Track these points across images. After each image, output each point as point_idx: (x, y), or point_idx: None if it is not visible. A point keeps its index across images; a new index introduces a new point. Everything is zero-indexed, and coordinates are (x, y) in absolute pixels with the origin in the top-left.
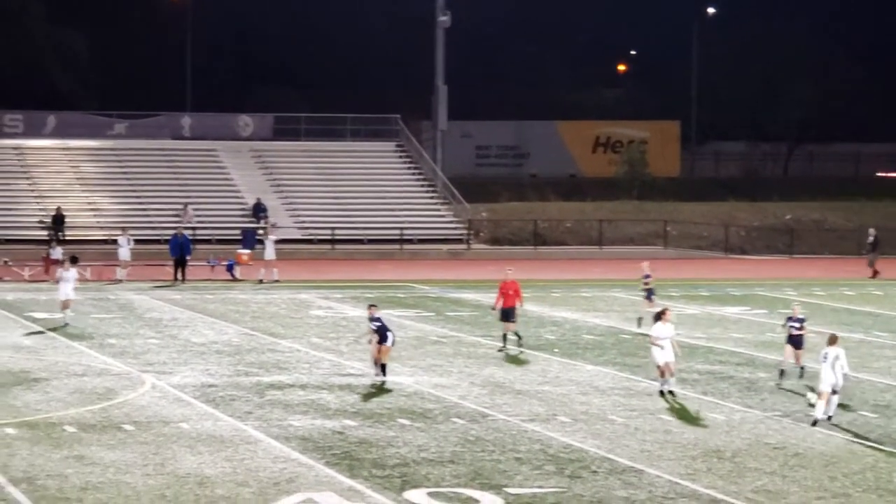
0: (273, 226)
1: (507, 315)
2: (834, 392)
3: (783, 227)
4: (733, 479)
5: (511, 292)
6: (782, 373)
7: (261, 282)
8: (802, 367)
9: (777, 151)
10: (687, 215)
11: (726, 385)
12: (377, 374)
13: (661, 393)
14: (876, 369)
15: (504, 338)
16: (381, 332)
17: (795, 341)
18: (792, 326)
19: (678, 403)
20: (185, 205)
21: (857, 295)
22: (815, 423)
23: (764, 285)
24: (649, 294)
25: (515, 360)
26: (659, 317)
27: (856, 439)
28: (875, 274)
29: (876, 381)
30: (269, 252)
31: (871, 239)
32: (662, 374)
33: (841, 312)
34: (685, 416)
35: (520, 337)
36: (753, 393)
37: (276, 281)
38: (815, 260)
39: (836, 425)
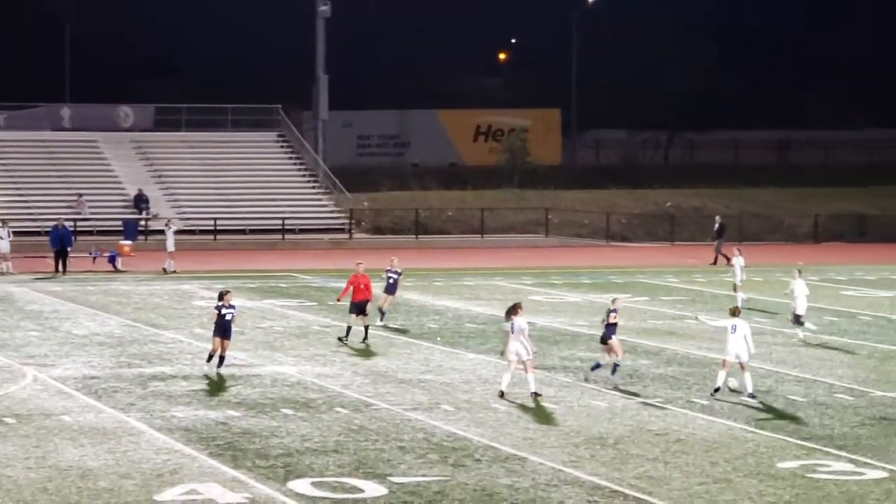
0: (156, 217)
1: (360, 308)
2: (741, 366)
3: (663, 215)
4: (616, 465)
5: (362, 286)
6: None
7: (165, 271)
8: (616, 365)
9: (657, 139)
10: (568, 203)
11: (608, 372)
12: (213, 367)
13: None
14: (756, 355)
15: (348, 330)
16: (227, 326)
17: (609, 333)
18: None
19: (541, 403)
20: (79, 195)
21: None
22: (716, 391)
23: (645, 272)
24: (392, 288)
25: (381, 350)
26: (512, 312)
27: (737, 424)
28: (718, 261)
29: (756, 367)
30: (170, 243)
31: (716, 226)
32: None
33: (721, 298)
34: (568, 403)
35: (367, 333)
36: (636, 380)
37: (175, 272)
38: (695, 247)
39: (719, 400)
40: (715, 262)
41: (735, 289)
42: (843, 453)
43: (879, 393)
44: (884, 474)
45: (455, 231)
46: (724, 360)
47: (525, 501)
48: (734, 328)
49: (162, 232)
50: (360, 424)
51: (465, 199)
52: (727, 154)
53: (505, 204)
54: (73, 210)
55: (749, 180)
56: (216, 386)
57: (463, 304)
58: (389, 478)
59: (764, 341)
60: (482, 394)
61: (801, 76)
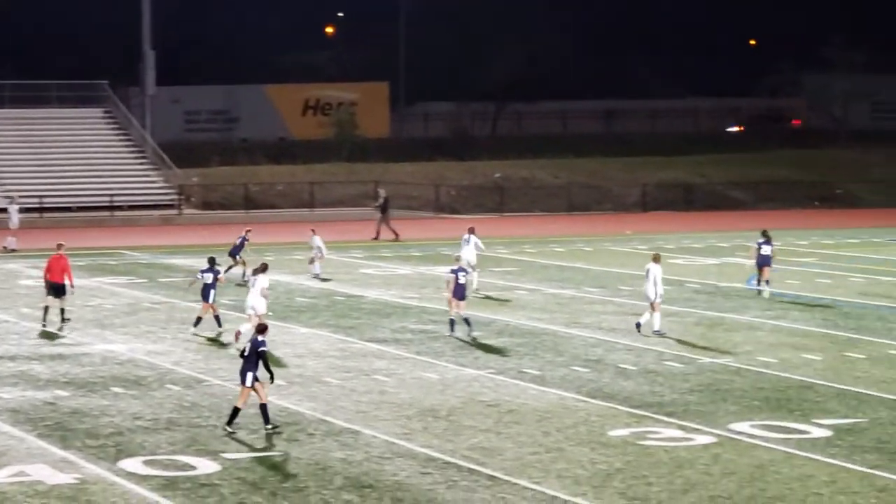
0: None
1: (55, 289)
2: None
3: (493, 186)
4: (449, 437)
5: (59, 268)
6: (452, 323)
7: (5, 249)
8: (466, 318)
9: (485, 111)
10: (397, 176)
11: (440, 344)
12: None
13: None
14: (587, 325)
15: (46, 311)
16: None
17: (459, 292)
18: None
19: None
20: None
21: (567, 251)
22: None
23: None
24: None
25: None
26: (260, 270)
27: (568, 394)
28: (369, 234)
29: (587, 336)
30: (14, 220)
31: (380, 201)
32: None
33: (551, 269)
34: (400, 376)
35: (64, 316)
36: (467, 351)
37: (15, 250)
38: (524, 217)
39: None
40: (377, 237)
41: (311, 262)
42: (673, 420)
43: (708, 360)
44: (712, 439)
45: (285, 205)
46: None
47: (359, 475)
48: (647, 272)
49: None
50: (193, 401)
51: (294, 173)
52: (555, 125)
53: (334, 177)
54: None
55: (577, 150)
56: (43, 366)
57: (294, 279)
58: (222, 454)
59: (594, 311)
60: (314, 367)
61: (624, 46)
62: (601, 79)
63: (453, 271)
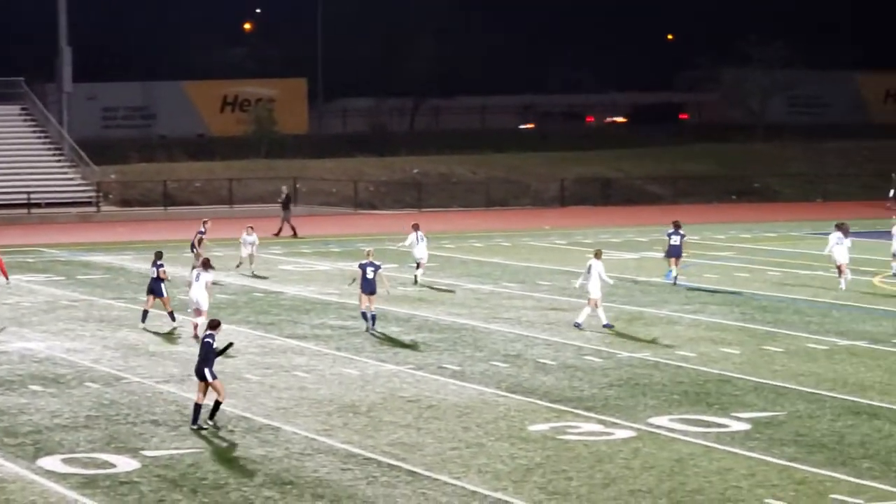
0: None
1: None
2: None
3: (411, 182)
4: (369, 433)
5: None
6: (364, 317)
7: None
8: (373, 315)
9: (403, 106)
10: (316, 172)
11: (360, 340)
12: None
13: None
14: (506, 319)
15: None
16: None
17: (368, 287)
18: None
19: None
20: None
21: (486, 247)
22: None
23: (394, 239)
24: None
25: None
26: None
27: (488, 389)
28: (284, 232)
29: (506, 331)
30: None
31: (282, 197)
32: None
33: (470, 264)
34: (320, 372)
35: None
36: (387, 347)
37: None
38: (443, 213)
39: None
40: (292, 234)
41: (240, 264)
42: (593, 414)
43: (627, 354)
44: (632, 434)
45: (203, 202)
46: (590, 299)
47: (279, 471)
48: (589, 268)
49: None
50: (112, 399)
51: (213, 169)
52: (473, 120)
53: (253, 174)
54: None
55: (495, 146)
56: None
57: (214, 275)
58: (142, 452)
59: (513, 306)
60: (234, 364)
61: (542, 41)
62: (519, 74)
63: (361, 266)
